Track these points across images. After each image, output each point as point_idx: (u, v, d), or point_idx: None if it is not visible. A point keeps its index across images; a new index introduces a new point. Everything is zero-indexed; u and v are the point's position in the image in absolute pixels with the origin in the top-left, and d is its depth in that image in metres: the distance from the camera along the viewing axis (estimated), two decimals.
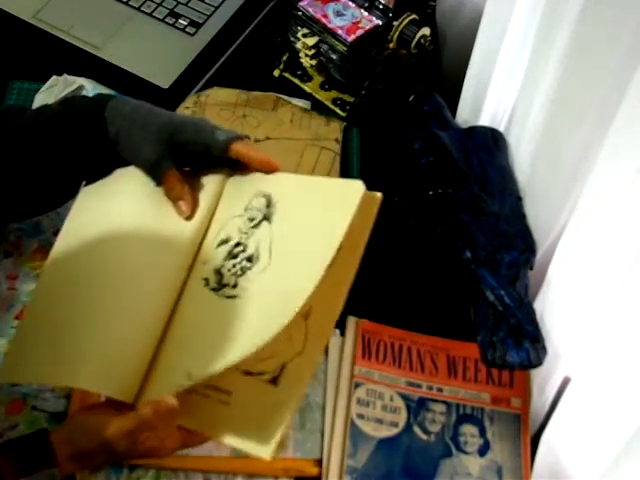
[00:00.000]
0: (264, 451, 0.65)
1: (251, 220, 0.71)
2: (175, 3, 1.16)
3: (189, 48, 1.12)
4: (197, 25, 1.14)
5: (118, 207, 0.74)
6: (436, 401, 0.87)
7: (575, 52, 0.76)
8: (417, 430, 0.85)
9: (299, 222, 0.68)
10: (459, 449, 0.85)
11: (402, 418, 0.86)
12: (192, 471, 0.82)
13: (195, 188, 0.74)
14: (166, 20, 1.15)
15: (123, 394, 0.67)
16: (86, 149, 0.74)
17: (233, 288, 0.68)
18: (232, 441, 0.66)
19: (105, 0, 1.16)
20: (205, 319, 0.69)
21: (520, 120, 0.94)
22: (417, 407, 0.86)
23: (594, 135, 0.72)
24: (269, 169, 0.73)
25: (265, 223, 0.70)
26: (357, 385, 0.87)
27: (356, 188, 0.65)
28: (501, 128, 1.01)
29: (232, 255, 0.70)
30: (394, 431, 0.85)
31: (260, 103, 1.08)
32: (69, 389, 0.84)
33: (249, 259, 0.69)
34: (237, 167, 0.75)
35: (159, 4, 1.16)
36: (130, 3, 1.16)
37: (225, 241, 0.71)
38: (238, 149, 0.72)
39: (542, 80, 0.84)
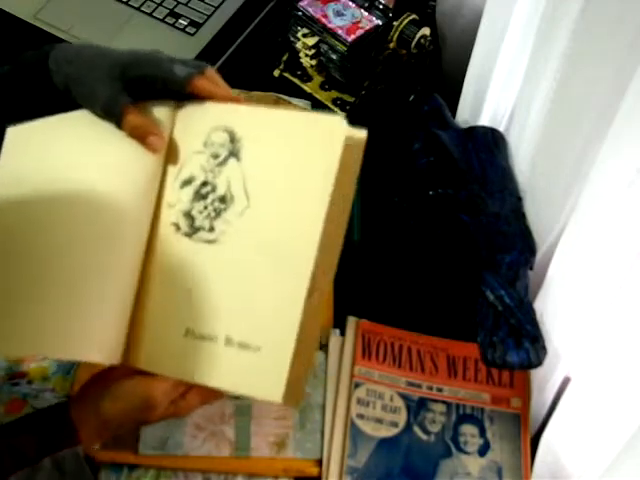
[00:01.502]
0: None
1: (215, 157, 0.67)
2: (175, 3, 1.16)
3: (189, 48, 1.12)
4: (197, 25, 1.14)
5: (65, 153, 0.69)
6: (436, 401, 0.87)
7: (575, 52, 0.76)
8: (417, 430, 0.85)
9: (275, 161, 0.65)
10: (459, 449, 0.85)
11: (402, 418, 0.86)
12: (192, 471, 0.82)
13: None
14: (166, 20, 1.15)
15: (105, 356, 0.65)
16: (38, 109, 0.68)
17: (210, 232, 0.65)
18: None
19: (105, 0, 1.16)
20: (189, 268, 0.66)
21: (520, 120, 0.94)
22: (417, 407, 0.86)
23: (594, 135, 0.72)
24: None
25: (232, 160, 0.66)
26: (357, 385, 0.87)
27: (337, 123, 0.62)
28: (501, 128, 1.01)
29: (200, 196, 0.66)
30: (394, 431, 0.85)
31: (260, 103, 1.08)
32: (69, 389, 0.84)
33: (222, 199, 0.66)
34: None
35: (159, 4, 1.16)
36: (130, 3, 1.16)
37: (188, 181, 0.67)
38: (200, 85, 0.66)
39: (542, 80, 0.84)
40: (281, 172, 0.65)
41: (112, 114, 0.66)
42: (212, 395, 0.68)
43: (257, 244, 0.64)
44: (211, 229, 0.66)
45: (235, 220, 0.65)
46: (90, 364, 0.76)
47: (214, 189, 0.66)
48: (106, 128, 0.68)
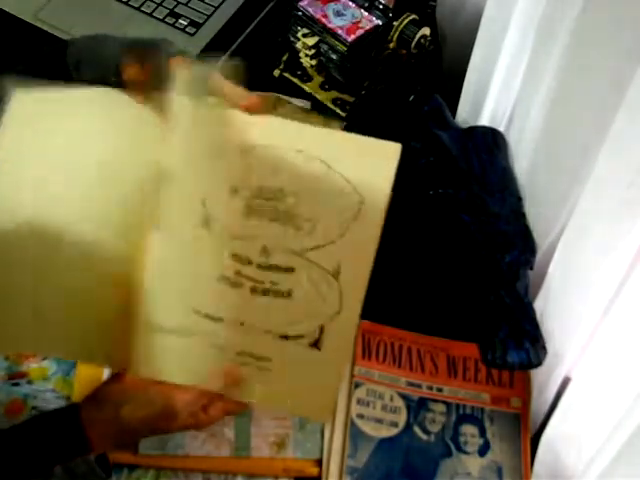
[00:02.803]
0: (323, 416, 0.63)
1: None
2: (175, 3, 1.16)
3: (189, 48, 1.12)
4: (197, 25, 1.14)
5: (65, 133, 0.69)
6: (436, 401, 0.87)
7: (575, 52, 0.76)
8: (417, 430, 0.85)
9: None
10: (459, 449, 0.85)
11: (402, 418, 0.86)
12: (192, 471, 0.82)
13: None
14: (166, 20, 1.15)
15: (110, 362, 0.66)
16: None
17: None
18: (283, 407, 0.65)
19: (105, 0, 1.16)
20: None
21: (520, 120, 0.94)
22: (417, 407, 0.86)
23: (594, 135, 0.72)
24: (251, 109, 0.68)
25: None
26: (357, 385, 0.87)
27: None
28: (501, 128, 1.01)
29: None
30: (394, 431, 0.85)
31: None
32: (69, 389, 0.84)
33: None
34: None
35: (159, 4, 1.16)
36: (130, 3, 1.16)
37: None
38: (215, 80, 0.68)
39: (542, 80, 0.84)
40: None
41: (117, 65, 0.68)
42: (237, 408, 0.68)
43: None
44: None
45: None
46: (89, 365, 0.76)
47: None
48: (108, 112, 0.69)
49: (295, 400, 0.65)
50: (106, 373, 0.83)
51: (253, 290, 0.65)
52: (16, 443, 0.64)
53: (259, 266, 0.65)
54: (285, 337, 0.65)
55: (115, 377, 0.67)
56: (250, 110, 0.67)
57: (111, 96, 0.69)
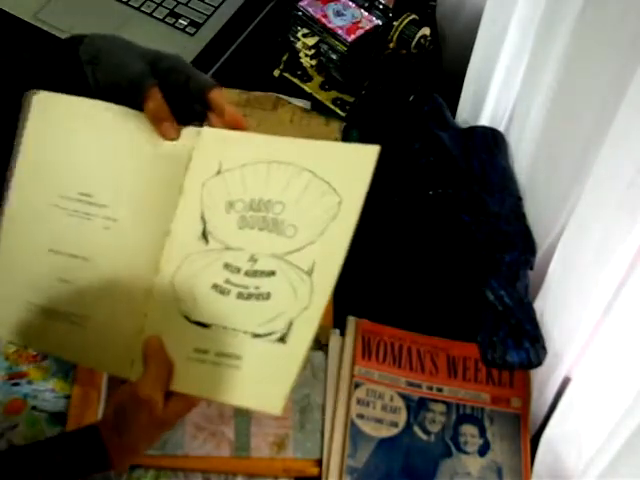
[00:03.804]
0: (274, 407, 0.63)
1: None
2: (175, 3, 1.16)
3: (189, 48, 1.12)
4: (197, 25, 1.14)
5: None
6: (436, 401, 0.87)
7: (575, 52, 0.76)
8: (417, 430, 0.85)
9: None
10: (459, 449, 0.84)
11: (402, 418, 0.86)
12: (192, 471, 0.82)
13: None
14: (166, 20, 1.15)
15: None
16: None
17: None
18: (241, 401, 0.66)
19: (105, 0, 1.16)
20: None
21: (520, 120, 0.94)
22: (417, 407, 0.86)
23: (594, 135, 0.72)
24: (237, 126, 0.72)
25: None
26: (357, 385, 0.87)
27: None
28: (501, 128, 1.01)
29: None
30: (394, 431, 0.85)
31: (260, 103, 1.08)
32: (69, 389, 0.84)
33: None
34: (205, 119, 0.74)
35: (159, 4, 1.16)
36: (130, 3, 1.16)
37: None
38: (217, 95, 0.71)
39: (542, 80, 0.84)
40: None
41: (138, 88, 0.70)
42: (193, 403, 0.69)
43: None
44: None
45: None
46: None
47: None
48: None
49: (252, 392, 0.66)
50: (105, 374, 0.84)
51: (239, 295, 0.68)
52: (38, 461, 0.66)
53: (246, 273, 0.68)
54: (257, 335, 0.66)
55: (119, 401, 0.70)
56: (236, 127, 0.72)
57: (134, 120, 0.73)
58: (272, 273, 0.67)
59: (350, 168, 0.68)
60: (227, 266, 0.69)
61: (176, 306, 0.69)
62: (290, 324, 0.66)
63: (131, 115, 0.73)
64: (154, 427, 0.67)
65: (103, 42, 0.72)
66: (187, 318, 0.68)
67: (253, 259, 0.68)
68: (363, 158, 0.67)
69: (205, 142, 0.72)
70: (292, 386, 0.63)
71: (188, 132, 0.73)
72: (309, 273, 0.66)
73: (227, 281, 0.68)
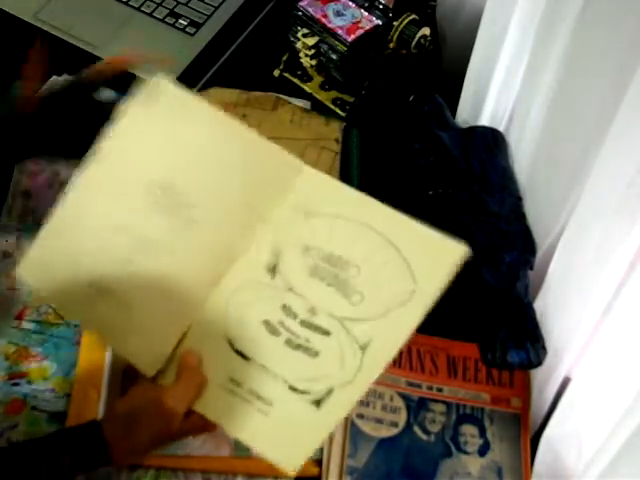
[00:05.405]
0: (291, 466, 0.66)
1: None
2: (175, 3, 1.16)
3: (189, 48, 1.12)
4: (197, 25, 1.14)
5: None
6: (436, 401, 0.87)
7: (575, 52, 0.76)
8: (417, 430, 0.85)
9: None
10: (459, 449, 0.84)
11: (402, 418, 0.86)
12: (192, 471, 0.82)
13: None
14: (166, 20, 1.15)
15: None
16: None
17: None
18: (261, 448, 0.67)
19: (105, 0, 1.16)
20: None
21: (520, 120, 0.94)
22: (417, 407, 0.86)
23: (594, 135, 0.72)
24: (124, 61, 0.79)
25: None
26: None
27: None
28: (501, 128, 1.01)
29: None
30: (394, 431, 0.85)
31: (260, 103, 1.08)
32: (69, 389, 0.84)
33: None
34: None
35: (159, 4, 1.16)
36: (130, 3, 1.16)
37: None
38: (106, 60, 0.83)
39: (542, 80, 0.84)
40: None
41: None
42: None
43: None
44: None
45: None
46: (89, 365, 0.77)
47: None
48: None
49: (273, 443, 0.68)
50: (106, 372, 0.83)
51: (288, 342, 0.69)
52: (40, 456, 0.66)
53: (302, 322, 0.69)
54: (294, 389, 0.68)
55: (125, 397, 0.70)
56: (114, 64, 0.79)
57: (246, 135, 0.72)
58: (327, 332, 0.68)
59: (433, 259, 0.68)
60: (285, 308, 0.69)
61: (223, 327, 0.69)
62: (330, 391, 0.67)
63: (247, 134, 0.72)
64: (165, 437, 0.68)
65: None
66: (230, 344, 0.69)
67: (313, 311, 0.69)
68: (449, 254, 0.67)
69: (303, 181, 0.71)
70: (314, 451, 0.65)
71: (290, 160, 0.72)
72: (363, 348, 0.67)
73: (280, 323, 0.69)
